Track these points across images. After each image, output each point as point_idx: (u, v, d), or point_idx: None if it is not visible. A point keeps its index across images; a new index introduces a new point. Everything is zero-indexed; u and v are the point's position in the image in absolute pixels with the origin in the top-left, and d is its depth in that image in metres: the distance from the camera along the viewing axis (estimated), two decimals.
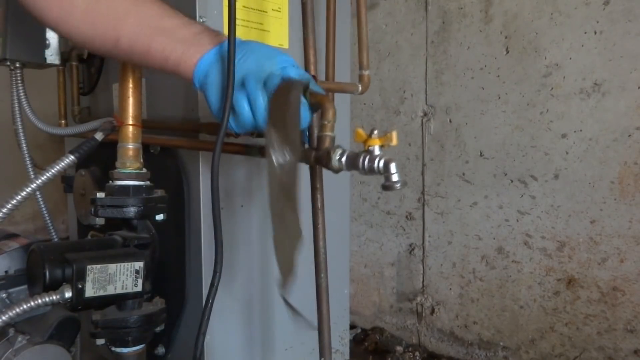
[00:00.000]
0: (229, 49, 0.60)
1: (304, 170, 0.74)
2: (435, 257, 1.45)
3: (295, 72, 0.62)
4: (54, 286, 0.65)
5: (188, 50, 0.62)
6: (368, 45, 0.96)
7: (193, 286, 0.96)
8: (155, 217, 0.76)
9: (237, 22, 0.67)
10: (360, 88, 0.97)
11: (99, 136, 0.80)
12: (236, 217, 0.99)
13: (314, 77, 0.76)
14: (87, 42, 0.67)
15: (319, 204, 0.82)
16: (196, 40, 0.63)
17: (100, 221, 0.97)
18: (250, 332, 1.04)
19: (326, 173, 0.75)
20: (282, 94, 0.59)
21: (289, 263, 0.61)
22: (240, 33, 0.95)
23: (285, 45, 1.04)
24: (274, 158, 0.57)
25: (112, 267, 0.68)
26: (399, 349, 1.52)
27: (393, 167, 0.57)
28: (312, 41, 0.82)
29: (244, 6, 0.95)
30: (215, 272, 0.67)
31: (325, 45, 0.92)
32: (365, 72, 0.97)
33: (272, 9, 1.00)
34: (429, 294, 1.47)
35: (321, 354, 0.80)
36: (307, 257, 0.89)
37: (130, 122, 0.76)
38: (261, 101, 0.60)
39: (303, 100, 0.62)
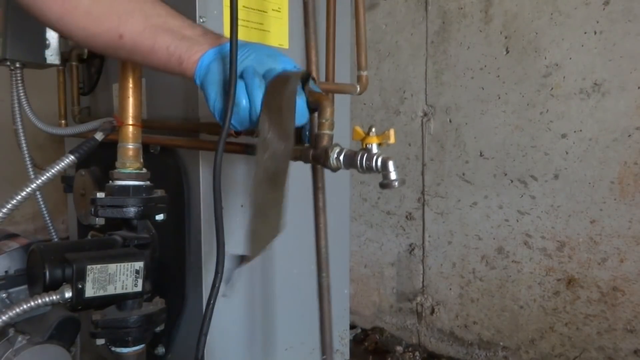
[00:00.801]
0: (230, 49, 0.61)
1: (303, 169, 0.74)
2: (435, 257, 1.45)
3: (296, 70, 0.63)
4: (54, 286, 0.65)
5: (192, 48, 0.64)
6: (366, 46, 0.96)
7: (193, 286, 0.96)
8: (155, 217, 0.76)
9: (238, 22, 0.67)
10: (358, 89, 0.99)
11: (99, 136, 0.80)
12: (236, 217, 0.99)
13: (313, 78, 0.76)
14: (89, 39, 0.67)
15: (321, 204, 0.82)
16: (200, 40, 0.64)
17: (100, 221, 0.97)
18: (251, 332, 1.04)
19: (326, 173, 0.75)
20: (279, 83, 0.58)
21: (259, 250, 0.60)
22: (241, 33, 0.95)
23: (285, 46, 1.04)
24: (265, 143, 0.56)
25: (112, 267, 0.68)
26: (399, 349, 1.52)
27: (391, 165, 0.56)
28: (314, 41, 0.82)
29: (244, 6, 0.95)
30: (216, 272, 0.67)
31: (325, 46, 0.92)
32: (364, 73, 0.98)
33: (272, 9, 1.00)
34: (429, 294, 1.47)
35: (323, 352, 0.80)
36: (307, 257, 0.89)
37: (130, 122, 0.76)
38: (258, 92, 0.60)
39: (301, 92, 0.61)
